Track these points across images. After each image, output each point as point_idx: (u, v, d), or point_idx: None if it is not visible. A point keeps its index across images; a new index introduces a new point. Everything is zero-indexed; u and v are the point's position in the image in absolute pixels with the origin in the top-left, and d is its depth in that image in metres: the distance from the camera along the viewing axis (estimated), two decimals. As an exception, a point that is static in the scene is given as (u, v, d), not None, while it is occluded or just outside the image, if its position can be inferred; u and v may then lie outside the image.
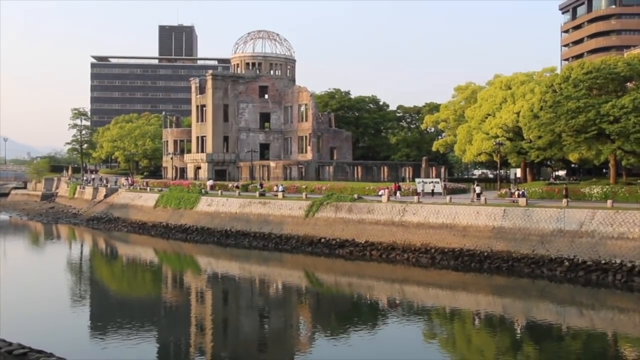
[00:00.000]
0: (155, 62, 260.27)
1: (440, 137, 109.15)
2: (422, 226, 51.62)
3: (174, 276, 48.98)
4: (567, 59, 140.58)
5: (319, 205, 59.70)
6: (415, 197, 57.26)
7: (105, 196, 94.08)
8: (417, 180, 69.04)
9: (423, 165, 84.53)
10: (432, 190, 66.73)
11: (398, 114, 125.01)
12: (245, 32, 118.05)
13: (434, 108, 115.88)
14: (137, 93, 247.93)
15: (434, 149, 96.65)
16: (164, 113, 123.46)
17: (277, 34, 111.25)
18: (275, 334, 29.61)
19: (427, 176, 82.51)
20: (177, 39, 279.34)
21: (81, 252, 61.70)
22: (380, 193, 62.69)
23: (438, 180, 70.79)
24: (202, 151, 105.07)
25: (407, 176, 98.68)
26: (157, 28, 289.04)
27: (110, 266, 53.41)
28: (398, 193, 62.96)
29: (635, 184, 59.22)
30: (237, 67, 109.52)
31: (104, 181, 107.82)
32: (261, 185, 78.71)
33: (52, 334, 27.81)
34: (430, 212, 52.34)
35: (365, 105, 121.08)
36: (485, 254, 46.08)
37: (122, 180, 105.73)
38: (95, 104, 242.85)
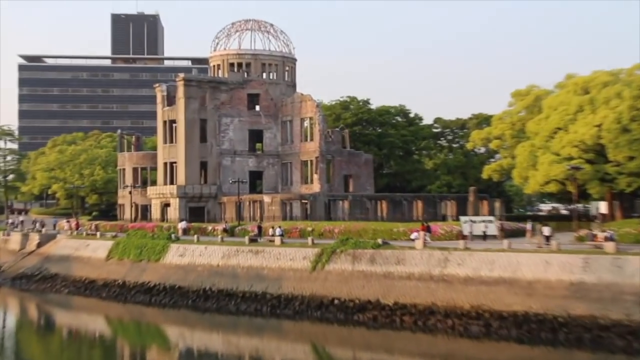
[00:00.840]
0: (108, 62, 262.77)
1: (492, 159, 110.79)
2: (471, 281, 51.46)
3: (133, 354, 48.90)
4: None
5: (331, 254, 60.41)
6: (461, 242, 57.19)
7: (39, 245, 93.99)
8: (462, 219, 69.31)
9: (470, 198, 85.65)
10: (484, 232, 66.74)
11: (435, 130, 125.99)
12: (228, 22, 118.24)
13: (483, 121, 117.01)
14: (82, 105, 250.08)
15: (484, 176, 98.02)
16: (119, 131, 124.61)
17: (272, 25, 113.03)
18: None
19: (476, 213, 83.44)
20: (136, 32, 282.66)
21: (3, 324, 61.58)
22: (413, 236, 63.45)
23: (491, 218, 70.84)
24: (172, 182, 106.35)
25: (448, 213, 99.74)
26: (109, 17, 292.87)
27: (44, 342, 53.42)
28: (427, 237, 63.64)
29: None
30: (218, 68, 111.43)
31: (37, 225, 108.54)
32: (259, 228, 79.32)
33: None
34: (482, 262, 52.14)
35: (390, 118, 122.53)
36: (560, 319, 45.72)
37: (63, 223, 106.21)
38: (24, 120, 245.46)
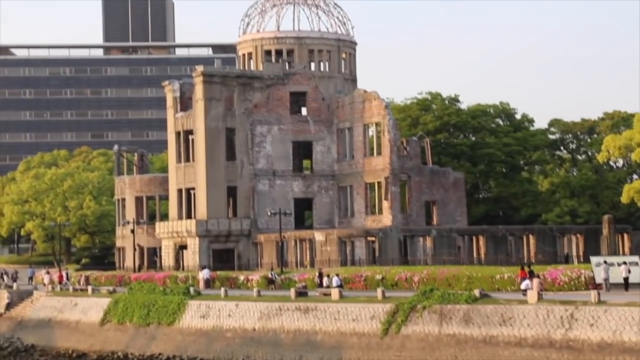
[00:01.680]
0: (99, 53, 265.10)
1: (635, 176, 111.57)
2: (609, 349, 50.67)
3: None
4: None
5: (409, 312, 60.31)
6: (592, 293, 56.04)
7: (9, 306, 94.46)
8: (593, 260, 68.36)
9: (604, 231, 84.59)
10: (626, 278, 65.25)
11: (552, 136, 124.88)
12: None
13: (620, 122, 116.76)
14: (66, 112, 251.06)
15: (624, 199, 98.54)
16: (116, 148, 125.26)
17: None
18: None
19: (614, 252, 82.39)
20: (137, 11, 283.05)
21: None
22: (523, 285, 63.86)
23: (636, 259, 68.79)
24: (189, 216, 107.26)
25: (573, 253, 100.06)
26: None
27: None
28: (527, 282, 63.93)
29: None
30: (249, 58, 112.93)
31: (6, 278, 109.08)
32: (320, 276, 79.26)
33: None
34: (625, 322, 51.16)
35: (488, 121, 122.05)
36: None
37: (42, 274, 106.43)
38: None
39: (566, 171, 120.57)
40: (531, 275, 65.80)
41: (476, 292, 60.55)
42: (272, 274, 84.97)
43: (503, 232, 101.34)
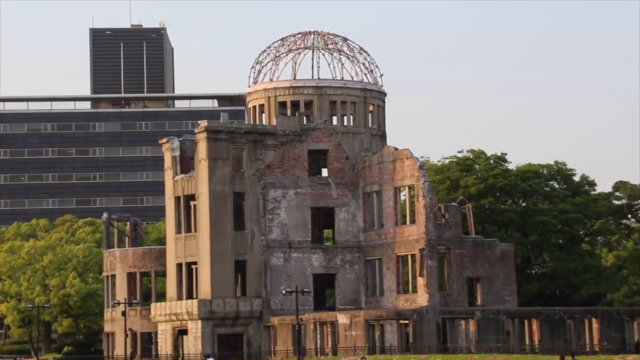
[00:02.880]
0: (87, 106, 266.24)
1: None
2: None
3: None
4: None
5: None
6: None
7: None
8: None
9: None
10: None
11: (617, 201, 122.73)
12: (275, 37, 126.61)
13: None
14: (47, 174, 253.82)
15: None
16: (105, 216, 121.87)
17: (345, 39, 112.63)
18: None
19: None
20: (130, 57, 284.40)
21: None
22: None
23: None
24: (191, 296, 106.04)
25: None
26: (86, 34, 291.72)
27: None
28: None
29: None
30: (261, 111, 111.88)
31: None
32: None
33: None
34: None
35: (541, 183, 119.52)
36: None
37: None
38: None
39: (635, 243, 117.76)
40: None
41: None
42: None
43: (560, 315, 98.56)
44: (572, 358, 68.21)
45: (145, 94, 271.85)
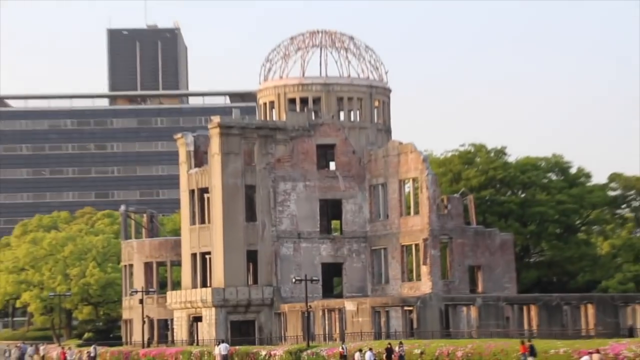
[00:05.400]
0: (104, 103, 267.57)
1: None
2: None
3: None
4: None
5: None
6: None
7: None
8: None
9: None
10: None
11: (612, 192, 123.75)
12: (285, 36, 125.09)
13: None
14: (67, 169, 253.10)
15: None
16: (123, 208, 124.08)
17: (351, 38, 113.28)
18: None
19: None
20: (146, 56, 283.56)
21: None
22: None
23: None
24: (205, 284, 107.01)
25: (637, 324, 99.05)
26: (104, 34, 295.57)
27: None
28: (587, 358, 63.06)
29: None
30: (271, 107, 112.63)
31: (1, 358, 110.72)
32: (389, 351, 78.65)
33: None
34: None
35: (540, 175, 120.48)
36: None
37: (39, 351, 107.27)
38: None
39: (629, 232, 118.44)
40: (532, 351, 66.95)
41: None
42: (343, 349, 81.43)
43: (557, 301, 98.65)
44: (530, 342, 69.46)
45: (160, 92, 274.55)
